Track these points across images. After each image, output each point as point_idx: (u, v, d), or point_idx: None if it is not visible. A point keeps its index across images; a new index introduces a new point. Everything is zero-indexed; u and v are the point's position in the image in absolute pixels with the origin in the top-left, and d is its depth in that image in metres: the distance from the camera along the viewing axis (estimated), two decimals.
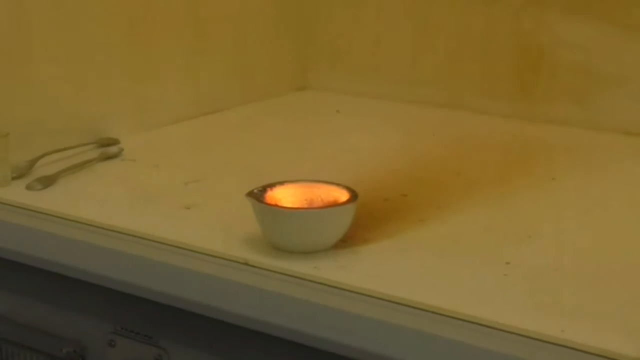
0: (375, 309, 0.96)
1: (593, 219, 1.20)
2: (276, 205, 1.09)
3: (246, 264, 1.06)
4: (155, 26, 1.52)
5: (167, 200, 1.25)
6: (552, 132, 1.51)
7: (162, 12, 1.53)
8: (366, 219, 1.14)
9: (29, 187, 1.28)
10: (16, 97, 1.36)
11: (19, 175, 1.30)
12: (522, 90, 1.57)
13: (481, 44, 1.60)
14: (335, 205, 1.09)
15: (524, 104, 1.57)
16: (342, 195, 1.10)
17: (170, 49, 1.55)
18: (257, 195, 1.10)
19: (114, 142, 1.44)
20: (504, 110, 1.58)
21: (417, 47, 1.66)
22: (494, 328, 0.92)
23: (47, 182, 1.29)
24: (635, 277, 1.04)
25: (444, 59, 1.64)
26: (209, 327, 1.07)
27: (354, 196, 1.10)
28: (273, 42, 1.73)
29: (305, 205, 1.10)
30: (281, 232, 1.09)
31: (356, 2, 1.71)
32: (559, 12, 1.53)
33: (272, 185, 1.11)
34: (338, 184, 1.12)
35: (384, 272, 1.05)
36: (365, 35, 1.71)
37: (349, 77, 1.74)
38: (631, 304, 0.98)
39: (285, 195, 1.11)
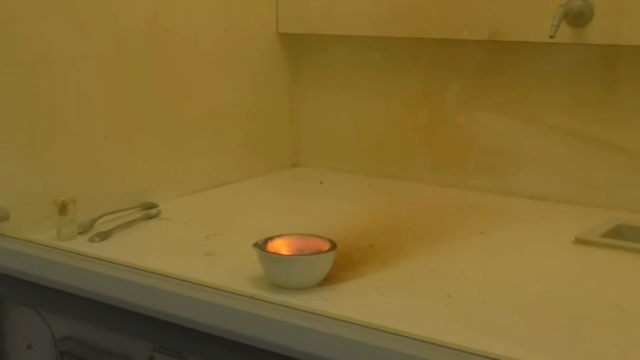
0: (350, 331, 0.96)
1: (512, 262, 1.20)
2: (276, 253, 1.09)
3: (252, 297, 1.05)
4: (185, 119, 1.53)
5: (193, 249, 1.24)
6: (480, 198, 1.51)
7: (191, 108, 1.54)
8: (343, 263, 1.14)
9: (90, 240, 1.27)
10: (82, 173, 1.36)
11: (83, 231, 1.29)
12: (458, 166, 1.58)
13: (427, 133, 1.61)
14: (320, 252, 1.09)
15: (459, 177, 1.57)
16: (325, 245, 1.10)
17: (197, 139, 1.56)
18: (261, 246, 1.10)
19: (154, 205, 1.43)
20: (444, 181, 1.58)
21: (381, 135, 1.67)
22: (437, 345, 0.92)
23: (104, 236, 1.28)
24: (543, 306, 1.04)
25: (400, 144, 1.65)
26: (224, 345, 1.06)
27: (333, 246, 1.10)
28: (274, 131, 1.73)
29: (298, 253, 1.10)
30: (279, 273, 1.08)
31: (336, 102, 1.72)
32: (484, 110, 1.54)
33: (272, 238, 1.11)
34: (321, 237, 1.12)
35: (357, 303, 1.04)
36: (343, 126, 1.72)
37: (330, 157, 1.74)
38: (540, 326, 0.98)
39: (282, 246, 1.11)
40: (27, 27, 1.27)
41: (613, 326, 0.99)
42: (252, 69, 1.66)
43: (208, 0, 1.55)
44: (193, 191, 1.55)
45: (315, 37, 1.69)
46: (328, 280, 1.09)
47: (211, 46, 1.56)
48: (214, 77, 1.58)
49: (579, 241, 1.26)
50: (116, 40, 1.39)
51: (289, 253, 1.10)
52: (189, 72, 1.53)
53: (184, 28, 1.51)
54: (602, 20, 1.33)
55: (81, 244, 1.25)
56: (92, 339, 1.22)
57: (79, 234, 1.29)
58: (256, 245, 1.09)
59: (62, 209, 1.26)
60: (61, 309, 1.24)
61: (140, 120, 1.45)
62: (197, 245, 1.25)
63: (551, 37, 1.30)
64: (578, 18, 1.34)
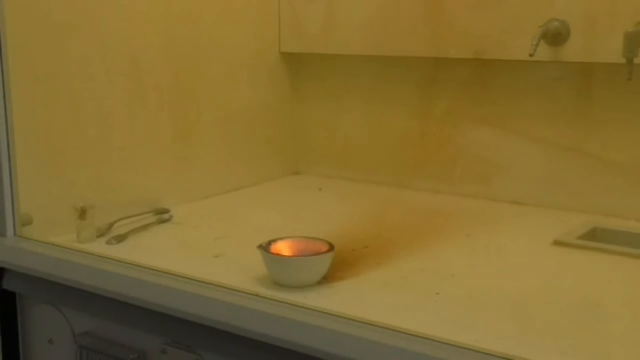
0: (346, 326, 0.96)
1: (496, 262, 1.20)
2: (278, 254, 1.09)
3: (257, 295, 1.05)
4: (193, 132, 1.53)
5: (202, 251, 1.24)
6: (466, 203, 1.51)
7: (199, 121, 1.54)
8: (340, 264, 1.14)
9: (107, 242, 1.27)
10: (99, 180, 1.36)
11: (100, 234, 1.29)
12: (446, 174, 1.58)
13: (417, 143, 1.61)
14: (318, 254, 1.09)
15: (446, 184, 1.57)
16: (323, 247, 1.10)
17: (205, 149, 1.56)
18: (265, 247, 1.10)
19: (166, 211, 1.43)
20: (433, 188, 1.58)
21: (373, 145, 1.67)
22: (427, 338, 0.92)
23: (120, 239, 1.29)
24: (526, 303, 1.04)
25: (391, 152, 1.65)
26: (231, 339, 1.06)
27: (331, 247, 1.10)
28: (276, 141, 1.74)
29: (298, 254, 1.10)
30: (282, 272, 1.09)
31: (333, 115, 1.72)
32: (469, 122, 1.54)
33: (275, 240, 1.12)
34: (320, 239, 1.12)
35: (352, 300, 1.05)
36: (339, 137, 1.72)
37: (328, 166, 1.74)
38: (523, 321, 0.98)
39: (284, 247, 1.11)
40: (52, 44, 1.27)
41: (590, 320, 0.99)
42: (257, 84, 1.67)
43: (218, 20, 1.55)
44: (201, 197, 1.55)
45: (315, 55, 1.69)
46: (326, 279, 1.09)
47: (219, 63, 1.57)
48: (221, 92, 1.58)
49: (557, 243, 1.26)
50: (132, 59, 1.40)
51: (291, 254, 1.10)
52: (198, 88, 1.53)
53: (194, 47, 1.51)
54: (578, 40, 1.34)
55: (99, 246, 1.26)
56: (109, 334, 1.22)
57: (97, 236, 1.29)
58: (260, 247, 1.10)
59: (82, 213, 1.26)
60: (80, 306, 1.25)
61: (153, 133, 1.45)
62: (206, 247, 1.26)
63: (531, 55, 1.31)
64: (556, 38, 1.35)
